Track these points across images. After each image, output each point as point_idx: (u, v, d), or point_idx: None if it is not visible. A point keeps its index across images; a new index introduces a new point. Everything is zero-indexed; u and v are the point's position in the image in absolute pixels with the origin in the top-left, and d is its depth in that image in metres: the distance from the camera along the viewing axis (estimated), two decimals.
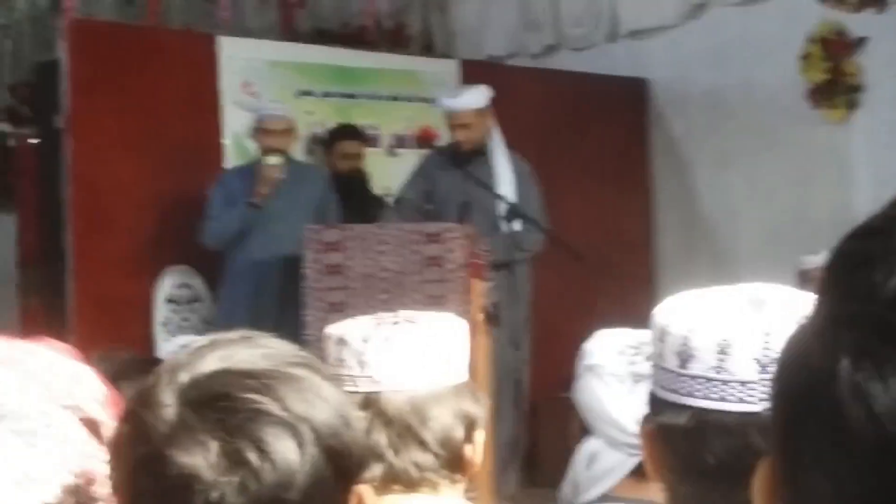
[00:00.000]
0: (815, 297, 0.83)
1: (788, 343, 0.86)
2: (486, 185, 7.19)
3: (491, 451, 6.78)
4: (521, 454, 7.35)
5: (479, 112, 7.40)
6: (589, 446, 2.53)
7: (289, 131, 7.44)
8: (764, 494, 0.89)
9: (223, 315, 7.14)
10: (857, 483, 0.75)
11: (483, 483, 6.56)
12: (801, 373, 0.82)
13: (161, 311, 7.40)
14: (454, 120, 7.36)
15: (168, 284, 7.45)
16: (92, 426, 1.35)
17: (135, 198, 7.32)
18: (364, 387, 2.38)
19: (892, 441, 0.73)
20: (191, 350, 1.33)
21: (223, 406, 1.26)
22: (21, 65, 12.00)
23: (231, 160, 7.87)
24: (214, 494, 1.22)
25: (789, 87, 8.82)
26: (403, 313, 2.59)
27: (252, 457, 1.23)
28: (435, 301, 6.43)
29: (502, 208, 7.17)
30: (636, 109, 9.98)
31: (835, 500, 0.77)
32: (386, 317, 2.55)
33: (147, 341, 7.08)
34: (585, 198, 9.04)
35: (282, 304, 6.91)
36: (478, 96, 7.52)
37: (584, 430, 2.56)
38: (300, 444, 1.26)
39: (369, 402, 2.36)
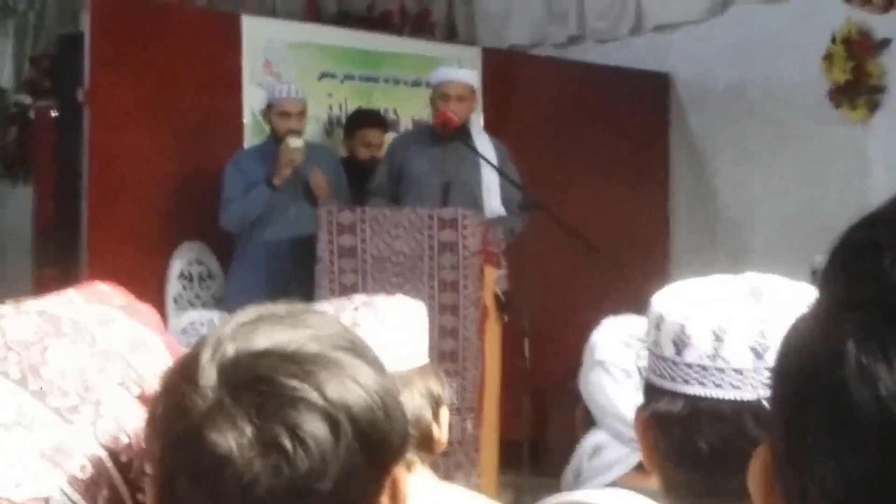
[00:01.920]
0: (820, 284, 0.84)
1: (792, 328, 0.86)
2: (499, 169, 7.14)
3: (497, 438, 6.78)
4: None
5: (472, 90, 7.42)
6: (594, 438, 2.53)
7: (304, 112, 7.43)
8: (760, 480, 0.90)
9: (234, 294, 7.10)
10: (861, 465, 0.76)
11: (488, 470, 6.56)
12: (805, 356, 0.82)
13: (173, 287, 7.40)
14: (452, 90, 7.31)
15: (182, 260, 7.45)
16: (147, 402, 1.35)
17: (152, 172, 7.32)
18: None
19: None
20: (238, 322, 1.31)
21: (263, 390, 1.24)
22: (44, 37, 12.04)
23: (250, 138, 7.86)
24: (247, 477, 1.21)
25: (811, 85, 8.80)
26: (358, 298, 2.64)
27: (287, 443, 1.22)
28: (448, 287, 6.44)
29: (515, 197, 7.14)
30: (657, 103, 9.95)
31: (838, 483, 0.78)
32: (345, 304, 2.59)
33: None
34: (603, 190, 9.01)
35: (294, 285, 6.89)
36: (473, 75, 7.66)
37: (590, 420, 2.57)
38: (336, 433, 1.24)
39: None
